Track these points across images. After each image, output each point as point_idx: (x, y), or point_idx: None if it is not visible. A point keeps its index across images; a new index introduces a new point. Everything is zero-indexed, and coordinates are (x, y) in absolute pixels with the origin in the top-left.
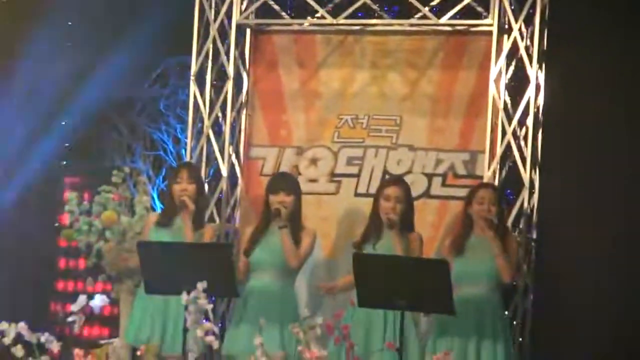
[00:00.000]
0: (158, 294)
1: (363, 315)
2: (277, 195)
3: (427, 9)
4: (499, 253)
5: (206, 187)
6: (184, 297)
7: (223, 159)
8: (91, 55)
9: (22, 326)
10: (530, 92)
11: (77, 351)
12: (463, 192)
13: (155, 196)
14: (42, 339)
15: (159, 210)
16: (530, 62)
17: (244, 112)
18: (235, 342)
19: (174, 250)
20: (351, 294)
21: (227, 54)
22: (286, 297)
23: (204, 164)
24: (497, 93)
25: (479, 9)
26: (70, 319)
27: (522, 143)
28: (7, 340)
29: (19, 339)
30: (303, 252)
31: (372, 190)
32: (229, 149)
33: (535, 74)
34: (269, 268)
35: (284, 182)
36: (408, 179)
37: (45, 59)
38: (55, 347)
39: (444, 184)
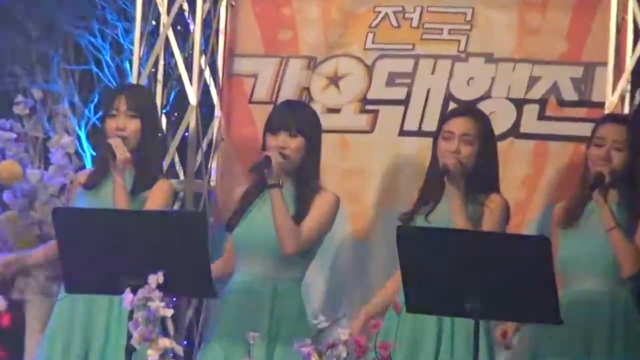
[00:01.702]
0: (83, 293)
1: (410, 325)
2: (277, 136)
3: None
4: (611, 228)
5: (163, 121)
6: (127, 298)
7: (190, 77)
8: None
9: None
10: None
11: None
12: (573, 129)
13: (83, 137)
14: None
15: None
16: None
17: (224, 1)
18: None
19: (111, 223)
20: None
21: None
22: (288, 298)
23: (159, 85)
24: None
25: None
26: None
27: None
28: None
29: None
30: (308, 228)
31: (427, 126)
32: (199, 60)
33: None
34: (257, 253)
35: (291, 115)
36: (485, 107)
37: None
38: None
39: (541, 116)
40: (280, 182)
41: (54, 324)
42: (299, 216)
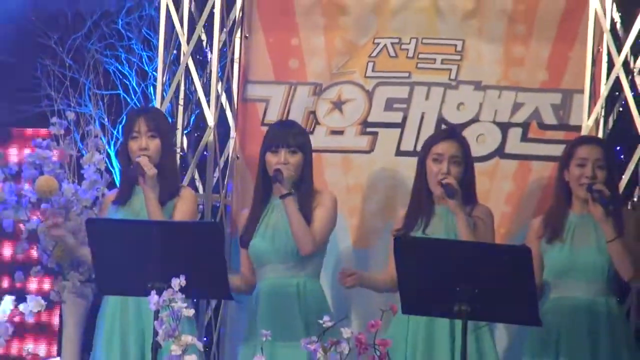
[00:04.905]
0: (114, 294)
1: (405, 325)
2: (278, 153)
3: None
4: (613, 239)
5: (184, 141)
6: (153, 299)
7: (208, 102)
8: None
9: None
10: None
11: None
12: (552, 150)
13: (112, 155)
14: None
15: (118, 179)
16: None
17: (238, 34)
18: None
19: (138, 232)
20: (393, 296)
21: None
22: (311, 294)
23: (180, 108)
24: (602, 6)
25: None
26: None
27: (638, 79)
28: None
29: None
30: (319, 230)
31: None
32: (216, 86)
33: None
34: (277, 259)
35: (287, 134)
36: (474, 130)
37: None
38: None
39: (524, 138)
40: (292, 191)
41: (109, 325)
42: (307, 220)
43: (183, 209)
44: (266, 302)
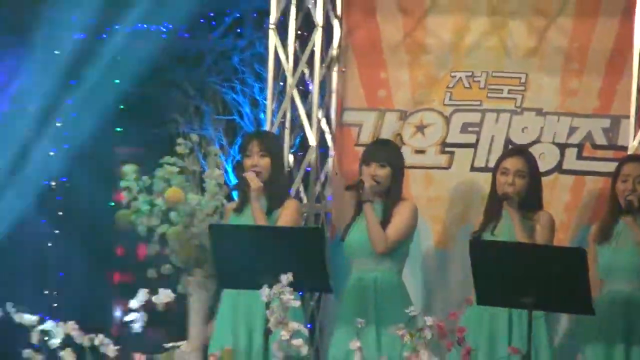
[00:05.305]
0: (232, 288)
1: (484, 315)
2: (370, 165)
3: None
4: None
5: (290, 159)
6: (265, 292)
7: (311, 125)
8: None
9: (71, 326)
10: None
11: (138, 356)
12: (603, 167)
13: (229, 170)
14: (96, 342)
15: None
16: None
17: (336, 68)
18: (339, 349)
19: (252, 235)
20: (469, 290)
21: None
22: (392, 288)
23: (287, 131)
24: None
25: None
26: (129, 317)
27: None
28: (54, 343)
29: (68, 340)
30: (392, 232)
31: (492, 163)
32: (317, 113)
33: None
34: (362, 254)
35: (380, 151)
36: (536, 150)
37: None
38: (111, 351)
39: (579, 156)
40: (371, 199)
41: (226, 313)
42: (386, 223)
43: (286, 217)
44: (352, 292)
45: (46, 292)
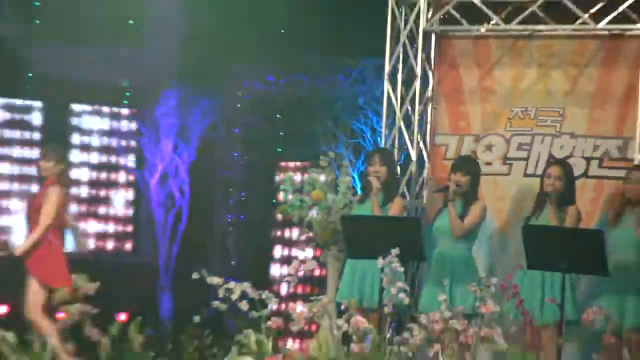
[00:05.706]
0: (359, 259)
1: (528, 276)
2: (456, 174)
3: (587, 15)
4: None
5: (398, 169)
6: (380, 261)
7: (412, 146)
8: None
9: (246, 285)
10: None
11: (292, 305)
12: (616, 173)
13: (355, 177)
14: (263, 296)
15: (358, 189)
16: None
17: (430, 105)
18: (427, 299)
19: (371, 222)
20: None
21: (415, 56)
22: (464, 261)
23: (396, 150)
24: None
25: (633, 15)
26: (285, 279)
27: None
28: (234, 297)
29: (244, 296)
30: (467, 223)
31: (539, 171)
32: (417, 137)
33: None
34: (443, 236)
35: (463, 163)
36: (569, 162)
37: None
38: (273, 302)
39: (600, 166)
40: (454, 198)
41: (346, 276)
42: (464, 216)
43: (395, 210)
44: (435, 262)
45: (233, 262)
